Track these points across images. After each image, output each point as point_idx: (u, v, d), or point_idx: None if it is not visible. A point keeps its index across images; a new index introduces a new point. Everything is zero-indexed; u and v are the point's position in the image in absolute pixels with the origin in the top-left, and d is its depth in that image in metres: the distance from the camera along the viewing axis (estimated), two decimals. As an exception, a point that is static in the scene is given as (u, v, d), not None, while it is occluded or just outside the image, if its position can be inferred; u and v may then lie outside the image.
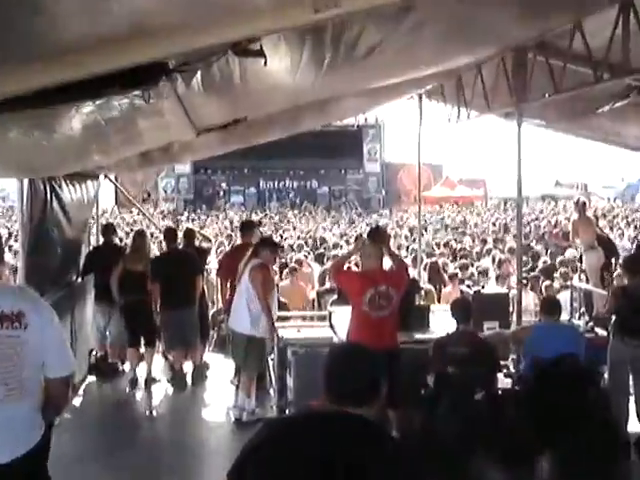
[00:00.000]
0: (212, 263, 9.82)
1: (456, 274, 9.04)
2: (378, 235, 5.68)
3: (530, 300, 8.17)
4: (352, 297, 5.35)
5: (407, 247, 12.55)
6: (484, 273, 9.35)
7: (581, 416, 4.47)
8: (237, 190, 32.72)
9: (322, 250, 11.90)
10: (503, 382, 5.40)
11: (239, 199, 32.45)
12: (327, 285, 8.63)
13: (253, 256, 6.07)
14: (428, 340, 5.46)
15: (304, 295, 8.93)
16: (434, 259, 10.11)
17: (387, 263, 5.63)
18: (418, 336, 5.97)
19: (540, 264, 10.61)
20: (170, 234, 7.67)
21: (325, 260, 10.55)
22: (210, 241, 10.45)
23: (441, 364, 4.88)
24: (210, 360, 7.88)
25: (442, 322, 6.11)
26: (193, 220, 19.75)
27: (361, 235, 12.05)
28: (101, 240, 8.17)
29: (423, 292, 7.96)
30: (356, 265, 7.18)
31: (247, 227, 7.43)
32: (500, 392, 5.15)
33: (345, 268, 5.87)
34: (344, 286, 5.65)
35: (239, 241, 8.71)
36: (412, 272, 8.54)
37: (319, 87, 4.93)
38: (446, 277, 9.08)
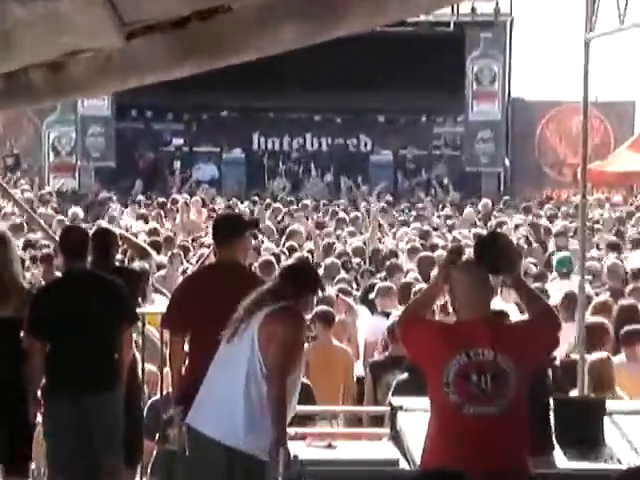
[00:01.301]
0: (154, 300, 9.92)
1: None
2: (493, 252, 5.68)
3: None
4: (427, 373, 5.50)
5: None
6: None
7: None
8: (206, 154, 32.99)
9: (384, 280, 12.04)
10: None
11: (210, 172, 32.72)
12: (389, 350, 8.70)
13: (272, 295, 6.25)
14: (601, 473, 5.50)
15: (345, 372, 9.07)
16: (626, 302, 10.19)
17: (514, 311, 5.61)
18: (576, 464, 5.95)
19: None
20: (71, 242, 7.77)
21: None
22: (149, 256, 10.54)
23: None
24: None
25: (628, 434, 6.14)
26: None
27: (458, 249, 11.95)
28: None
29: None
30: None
31: (229, 230, 7.48)
32: None
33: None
34: (413, 352, 5.82)
35: (212, 258, 8.75)
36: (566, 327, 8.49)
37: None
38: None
